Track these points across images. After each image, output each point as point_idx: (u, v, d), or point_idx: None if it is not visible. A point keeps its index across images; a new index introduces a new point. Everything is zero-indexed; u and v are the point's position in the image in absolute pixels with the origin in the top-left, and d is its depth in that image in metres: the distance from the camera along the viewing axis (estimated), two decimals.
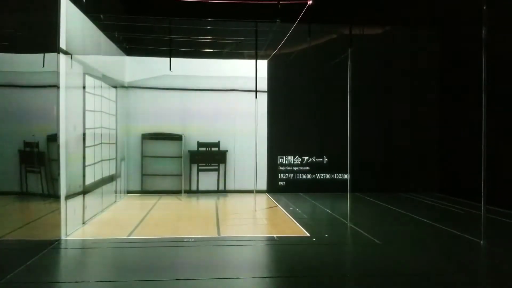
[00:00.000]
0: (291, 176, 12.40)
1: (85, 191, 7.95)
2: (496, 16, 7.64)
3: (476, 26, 6.79)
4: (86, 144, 7.98)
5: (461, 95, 11.32)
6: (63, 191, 6.78)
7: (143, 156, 12.03)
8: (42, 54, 6.53)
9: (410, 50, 12.55)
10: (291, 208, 9.73)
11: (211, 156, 12.26)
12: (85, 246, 6.60)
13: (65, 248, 6.39)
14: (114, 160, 10.33)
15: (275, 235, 7.17)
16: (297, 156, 12.41)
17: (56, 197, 6.68)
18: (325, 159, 12.44)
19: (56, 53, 6.61)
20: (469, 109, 9.39)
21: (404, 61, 12.56)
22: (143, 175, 12.05)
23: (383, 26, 12.64)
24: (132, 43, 11.55)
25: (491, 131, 6.64)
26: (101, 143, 9.11)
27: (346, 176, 11.56)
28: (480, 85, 6.58)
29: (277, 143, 12.36)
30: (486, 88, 6.53)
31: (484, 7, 6.55)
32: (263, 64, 12.11)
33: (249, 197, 10.63)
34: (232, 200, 11.19)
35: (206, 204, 10.61)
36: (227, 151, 12.27)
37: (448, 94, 12.11)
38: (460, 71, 11.32)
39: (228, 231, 7.69)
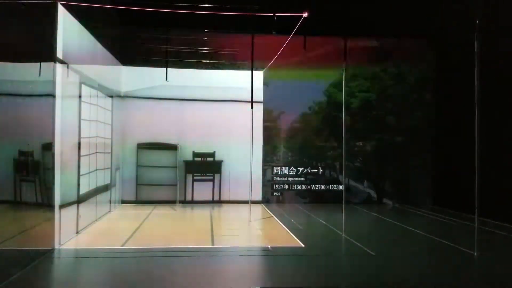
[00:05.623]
0: (286, 186, 12.42)
1: (80, 200, 7.92)
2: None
3: (471, 39, 6.88)
4: (81, 153, 7.97)
5: (457, 108, 11.41)
6: (57, 200, 6.75)
7: (138, 166, 12.00)
8: (39, 63, 6.54)
9: (405, 62, 12.64)
10: (286, 219, 9.72)
11: (206, 166, 12.25)
12: (79, 256, 6.56)
13: (59, 257, 6.35)
14: (109, 169, 10.31)
15: (269, 246, 7.15)
16: (292, 167, 12.43)
17: (50, 206, 6.65)
18: (320, 170, 12.47)
19: (52, 62, 6.64)
20: (464, 122, 9.46)
21: (399, 73, 12.65)
22: (137, 184, 12.01)
23: (377, 40, 12.75)
24: (129, 53, 11.59)
25: (485, 144, 6.70)
26: (96, 152, 9.10)
27: (341, 187, 11.64)
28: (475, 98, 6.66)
29: (273, 154, 12.38)
30: (480, 101, 6.61)
31: (477, 21, 6.66)
32: (259, 75, 12.18)
33: (244, 208, 10.61)
34: (227, 211, 11.16)
35: (201, 214, 10.58)
36: (222, 161, 12.28)
37: (443, 106, 12.21)
38: (455, 84, 11.42)
39: (223, 242, 7.67)
